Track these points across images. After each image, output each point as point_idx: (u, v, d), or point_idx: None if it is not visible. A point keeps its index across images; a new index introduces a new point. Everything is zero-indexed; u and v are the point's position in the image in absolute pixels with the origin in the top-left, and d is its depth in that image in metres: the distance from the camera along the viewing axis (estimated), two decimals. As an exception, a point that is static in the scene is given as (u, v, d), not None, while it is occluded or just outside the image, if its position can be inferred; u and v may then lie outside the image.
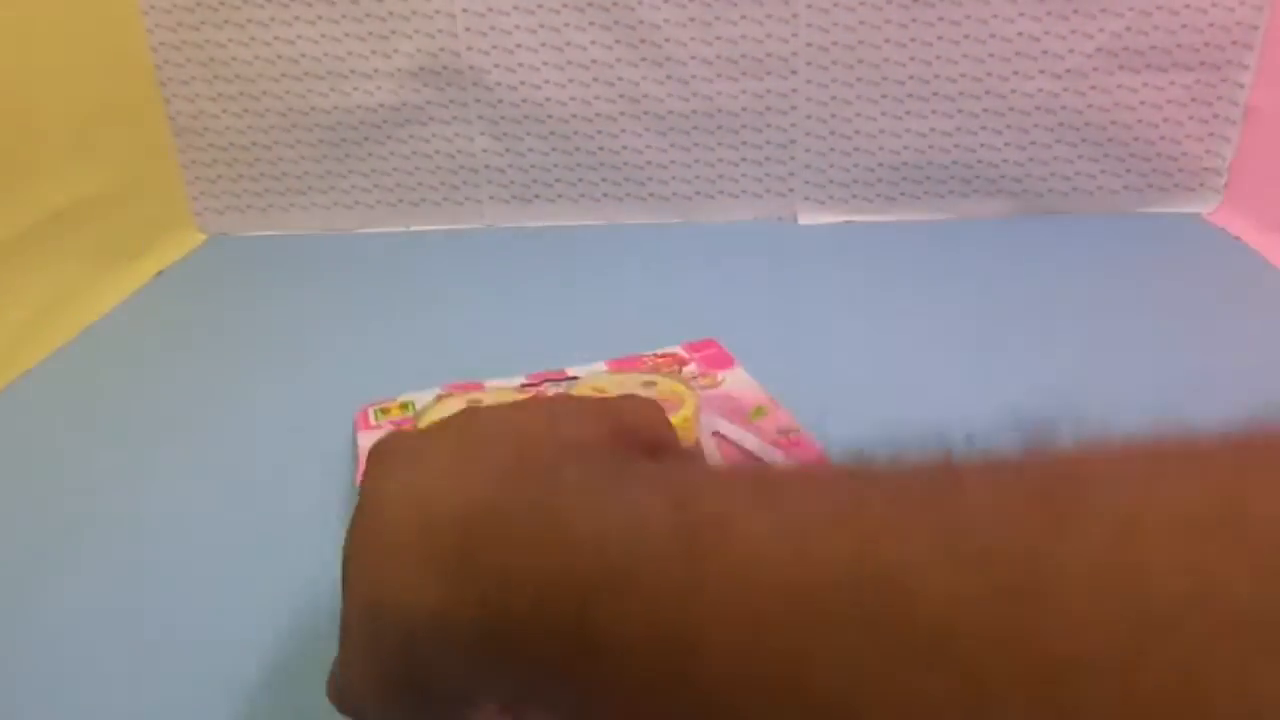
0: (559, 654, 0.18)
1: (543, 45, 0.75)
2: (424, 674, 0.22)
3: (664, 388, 0.48)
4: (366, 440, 0.49)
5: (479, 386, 0.52)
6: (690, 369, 0.54)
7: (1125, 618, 0.13)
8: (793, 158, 0.77)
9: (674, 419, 0.42)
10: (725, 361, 0.54)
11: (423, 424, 0.45)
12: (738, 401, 0.50)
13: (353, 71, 0.77)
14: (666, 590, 0.17)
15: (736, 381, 0.52)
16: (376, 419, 0.51)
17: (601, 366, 0.54)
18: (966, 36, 0.72)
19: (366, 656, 0.23)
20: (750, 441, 0.45)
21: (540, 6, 0.73)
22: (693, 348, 0.56)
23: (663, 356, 0.55)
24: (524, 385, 0.52)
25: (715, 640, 0.16)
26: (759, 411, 0.48)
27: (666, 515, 0.18)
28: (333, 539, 0.45)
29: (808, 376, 0.54)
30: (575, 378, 0.53)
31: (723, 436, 0.46)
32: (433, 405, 0.48)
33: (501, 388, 0.52)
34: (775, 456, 0.44)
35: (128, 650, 0.38)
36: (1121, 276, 0.66)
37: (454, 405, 0.46)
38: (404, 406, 0.51)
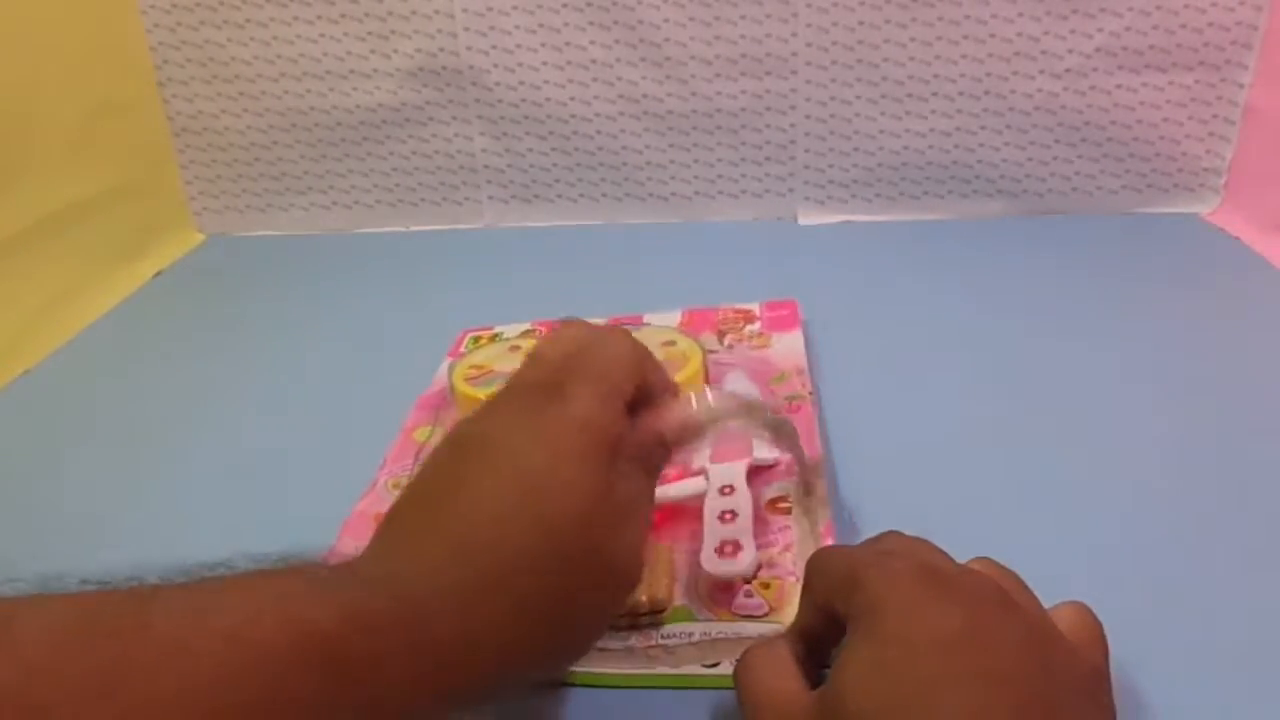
0: None
1: (543, 45, 0.75)
2: None
3: (682, 347, 0.52)
4: (443, 365, 0.55)
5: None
6: (753, 327, 0.58)
7: None
8: (793, 158, 0.77)
9: (678, 377, 0.47)
10: (790, 324, 0.57)
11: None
12: (773, 365, 0.54)
13: (352, 71, 0.77)
14: None
15: (784, 346, 0.55)
16: (469, 347, 0.57)
17: (677, 314, 0.60)
18: (966, 36, 0.72)
19: None
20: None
21: (540, 6, 0.73)
22: (770, 306, 0.59)
23: (737, 311, 0.59)
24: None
25: None
26: (780, 378, 0.52)
27: None
28: (331, 537, 0.45)
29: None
30: (649, 323, 0.58)
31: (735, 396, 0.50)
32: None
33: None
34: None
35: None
36: (1121, 277, 0.66)
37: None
38: (494, 337, 0.58)
